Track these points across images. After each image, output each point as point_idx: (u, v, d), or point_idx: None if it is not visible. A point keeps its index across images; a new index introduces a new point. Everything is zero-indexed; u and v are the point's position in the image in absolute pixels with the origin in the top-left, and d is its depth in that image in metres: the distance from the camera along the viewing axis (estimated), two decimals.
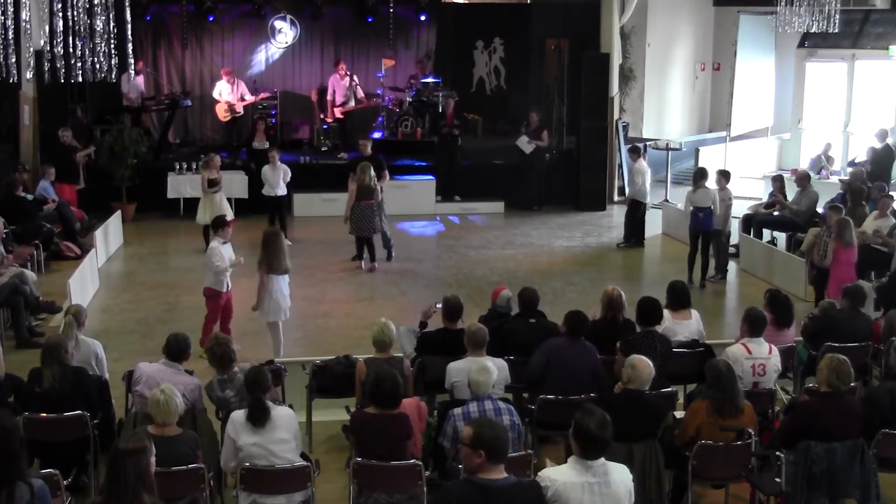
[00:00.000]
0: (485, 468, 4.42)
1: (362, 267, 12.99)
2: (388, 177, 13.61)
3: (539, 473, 4.60)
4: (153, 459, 4.57)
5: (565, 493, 4.43)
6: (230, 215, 12.53)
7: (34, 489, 4.61)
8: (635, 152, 14.97)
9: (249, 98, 17.22)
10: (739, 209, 15.06)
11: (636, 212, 14.63)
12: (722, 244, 12.75)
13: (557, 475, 4.50)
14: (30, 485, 4.60)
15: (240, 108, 17.19)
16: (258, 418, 5.73)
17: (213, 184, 13.26)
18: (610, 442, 4.63)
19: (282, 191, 13.95)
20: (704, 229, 12.22)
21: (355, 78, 17.58)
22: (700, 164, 16.16)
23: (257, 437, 5.73)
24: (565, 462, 4.75)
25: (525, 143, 16.51)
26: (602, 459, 4.57)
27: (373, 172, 12.70)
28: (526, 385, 7.24)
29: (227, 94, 17.10)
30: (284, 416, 5.86)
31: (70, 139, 14.67)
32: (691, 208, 12.33)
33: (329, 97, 17.55)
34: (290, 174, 13.97)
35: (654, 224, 15.53)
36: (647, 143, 18.41)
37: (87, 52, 9.98)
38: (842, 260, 10.29)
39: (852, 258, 10.36)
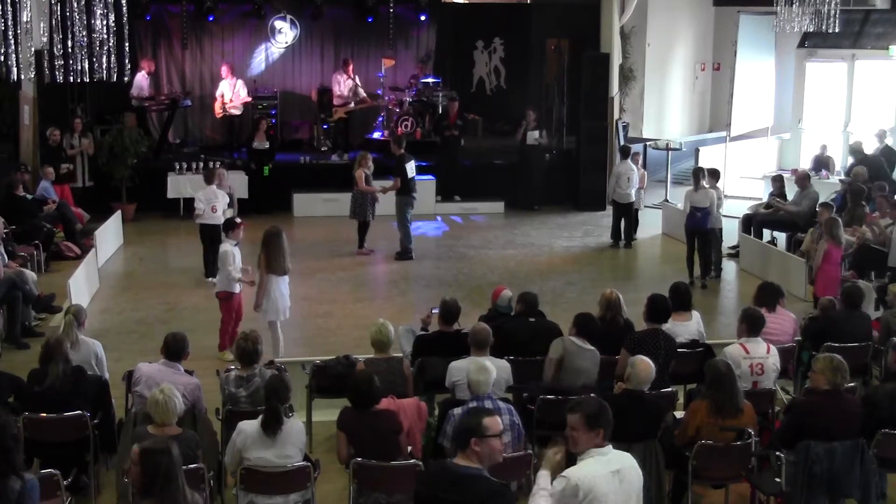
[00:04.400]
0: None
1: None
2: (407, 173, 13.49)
3: (564, 474, 4.49)
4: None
5: (596, 487, 4.41)
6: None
7: (25, 482, 4.63)
8: (620, 153, 15.03)
9: (245, 98, 17.16)
10: (739, 209, 15.07)
11: (616, 213, 14.70)
12: (717, 243, 12.77)
13: (582, 472, 4.46)
14: (22, 478, 4.62)
15: (235, 108, 17.13)
16: (271, 427, 5.74)
17: None
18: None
19: (214, 220, 11.39)
20: (701, 228, 12.28)
21: (357, 79, 17.58)
22: (699, 165, 16.12)
23: (265, 451, 5.72)
24: (565, 462, 4.70)
25: (535, 138, 16.70)
26: (611, 446, 4.58)
27: (368, 164, 13.30)
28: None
29: (227, 91, 17.05)
30: (295, 431, 5.87)
31: (57, 139, 14.62)
32: (690, 207, 12.35)
33: (335, 92, 17.52)
34: (226, 198, 11.76)
35: (653, 224, 15.53)
36: (647, 143, 18.42)
37: (86, 53, 9.98)
38: (832, 258, 10.44)
39: (840, 257, 10.57)
